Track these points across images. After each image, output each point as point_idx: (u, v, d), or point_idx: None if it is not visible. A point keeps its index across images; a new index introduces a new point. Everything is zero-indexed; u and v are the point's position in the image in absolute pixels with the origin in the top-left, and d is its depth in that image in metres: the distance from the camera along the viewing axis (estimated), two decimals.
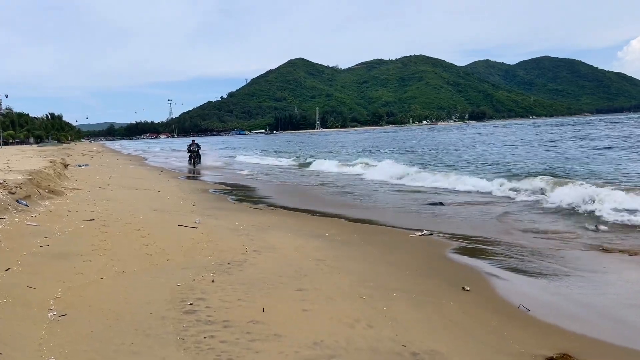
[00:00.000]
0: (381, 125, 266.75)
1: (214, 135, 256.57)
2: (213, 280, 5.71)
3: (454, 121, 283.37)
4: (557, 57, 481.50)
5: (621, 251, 7.79)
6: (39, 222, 8.36)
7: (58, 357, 3.72)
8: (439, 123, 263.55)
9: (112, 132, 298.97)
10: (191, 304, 4.89)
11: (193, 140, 33.53)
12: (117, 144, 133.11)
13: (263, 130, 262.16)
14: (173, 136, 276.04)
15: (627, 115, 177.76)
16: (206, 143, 62.48)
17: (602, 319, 5.23)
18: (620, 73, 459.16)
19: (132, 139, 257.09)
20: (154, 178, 22.37)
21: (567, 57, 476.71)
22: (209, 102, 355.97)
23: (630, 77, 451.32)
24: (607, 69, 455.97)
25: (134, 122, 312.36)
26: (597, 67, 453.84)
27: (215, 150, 59.04)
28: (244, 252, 7.27)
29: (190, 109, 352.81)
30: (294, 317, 4.72)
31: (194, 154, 31.97)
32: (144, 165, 35.51)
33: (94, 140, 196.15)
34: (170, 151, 66.13)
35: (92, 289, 5.29)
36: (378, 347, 4.19)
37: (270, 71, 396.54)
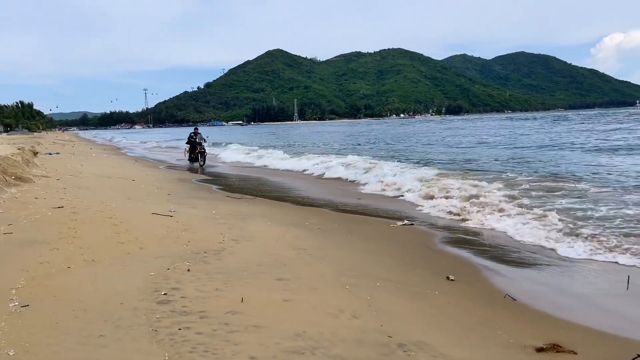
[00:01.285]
0: (359, 117, 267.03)
1: (190, 125, 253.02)
2: (189, 270, 5.43)
3: (431, 115, 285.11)
4: (532, 53, 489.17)
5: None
6: (2, 210, 7.93)
7: (19, 350, 3.41)
8: (416, 116, 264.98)
9: (86, 121, 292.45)
10: (165, 294, 4.60)
11: (196, 129, 24.52)
12: (92, 134, 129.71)
13: (240, 122, 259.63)
14: (149, 126, 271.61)
15: (598, 111, 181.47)
16: (181, 133, 60.83)
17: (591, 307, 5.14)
18: (593, 69, 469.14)
19: (107, 128, 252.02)
20: (128, 167, 21.79)
21: (542, 53, 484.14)
22: (186, 92, 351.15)
23: (603, 73, 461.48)
24: (580, 66, 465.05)
25: (108, 112, 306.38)
26: (570, 64, 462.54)
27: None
28: (221, 241, 6.98)
29: (167, 99, 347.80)
30: (275, 308, 4.47)
31: (197, 149, 23.38)
32: (119, 154, 34.67)
33: (66, 130, 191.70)
34: (165, 148, 46.20)
35: (58, 278, 4.96)
36: (364, 338, 3.98)
37: (248, 62, 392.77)
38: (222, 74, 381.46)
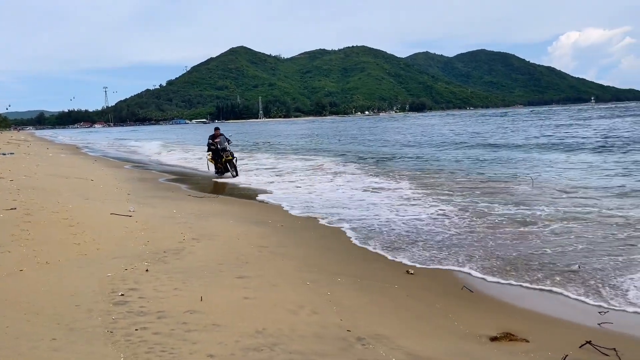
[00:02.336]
0: (324, 115, 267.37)
1: (152, 124, 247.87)
2: (147, 270, 5.35)
3: (395, 112, 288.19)
4: (493, 51, 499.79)
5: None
6: None
7: None
8: (380, 114, 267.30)
9: (43, 120, 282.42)
10: (122, 295, 4.52)
11: (217, 129, 18.02)
12: (50, 133, 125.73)
13: (204, 120, 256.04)
14: (109, 125, 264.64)
15: (556, 107, 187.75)
16: (142, 131, 59.67)
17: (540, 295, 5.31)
18: (550, 67, 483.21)
19: (65, 127, 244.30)
20: (87, 167, 21.21)
21: (502, 51, 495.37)
22: (147, 90, 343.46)
23: (559, 71, 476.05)
24: (538, 63, 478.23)
25: (67, 110, 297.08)
26: (529, 61, 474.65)
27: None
28: (181, 240, 6.90)
29: (128, 97, 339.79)
30: (235, 306, 4.46)
31: (223, 157, 17.19)
32: (78, 154, 33.70)
33: (22, 129, 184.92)
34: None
35: (9, 281, 4.80)
36: (323, 333, 4.02)
37: (212, 59, 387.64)
38: (185, 71, 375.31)
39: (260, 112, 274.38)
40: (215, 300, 4.52)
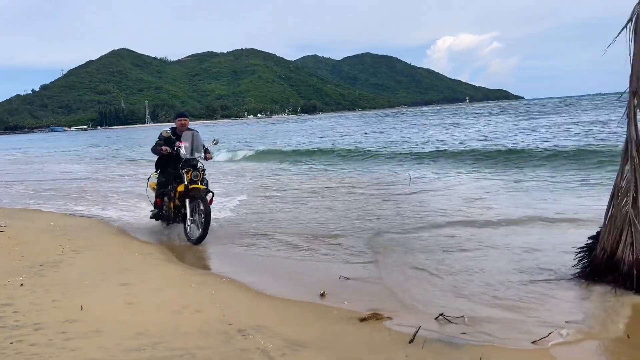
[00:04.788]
0: (216, 119, 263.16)
1: (25, 132, 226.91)
2: (22, 284, 5.20)
3: (288, 114, 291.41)
4: (377, 54, 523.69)
5: None
6: None
7: None
8: (273, 116, 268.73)
9: None
10: None
11: (184, 118, 8.04)
12: None
13: (85, 126, 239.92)
14: None
15: (436, 107, 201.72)
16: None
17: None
18: (430, 69, 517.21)
19: None
20: None
21: (385, 54, 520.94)
22: (18, 95, 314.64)
23: (438, 73, 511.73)
24: (419, 66, 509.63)
25: None
26: (410, 64, 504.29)
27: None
28: (60, 252, 6.71)
29: None
30: (117, 312, 4.53)
31: (187, 182, 7.45)
32: None
33: None
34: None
35: None
36: (206, 329, 4.24)
37: (91, 62, 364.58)
38: (61, 75, 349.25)
39: (148, 117, 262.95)
40: (96, 308, 4.55)
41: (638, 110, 5.11)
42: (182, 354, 3.69)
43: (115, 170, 23.16)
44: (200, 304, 4.85)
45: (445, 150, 21.65)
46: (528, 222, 8.07)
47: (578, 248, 5.71)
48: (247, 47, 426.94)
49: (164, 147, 7.59)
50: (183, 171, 7.48)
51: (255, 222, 8.93)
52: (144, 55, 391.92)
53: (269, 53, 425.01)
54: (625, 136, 5.25)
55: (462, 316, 4.49)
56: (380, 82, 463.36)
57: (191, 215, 7.38)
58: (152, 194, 8.37)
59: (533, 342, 3.92)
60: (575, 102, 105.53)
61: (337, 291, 5.54)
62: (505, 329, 4.22)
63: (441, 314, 4.54)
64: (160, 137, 7.80)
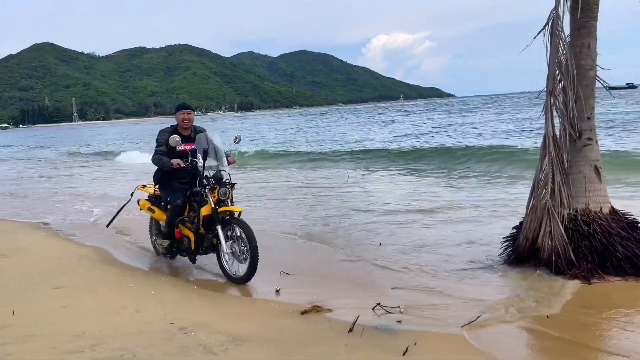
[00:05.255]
0: (149, 116, 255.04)
1: None
2: None
3: (224, 111, 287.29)
4: (314, 52, 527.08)
5: None
6: None
7: None
8: (209, 114, 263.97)
9: None
10: None
11: (187, 111, 5.99)
12: None
13: (5, 125, 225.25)
14: None
15: (371, 105, 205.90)
16: None
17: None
18: (365, 67, 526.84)
19: None
20: None
21: (322, 52, 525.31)
22: None
23: (373, 71, 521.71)
24: (355, 64, 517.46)
25: None
26: (346, 62, 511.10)
27: None
28: None
29: None
30: (52, 315, 4.40)
31: (212, 202, 5.54)
32: None
33: None
34: None
35: None
36: (146, 328, 4.21)
37: (11, 56, 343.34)
38: None
39: (75, 114, 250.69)
40: (29, 313, 4.41)
41: (554, 108, 5.56)
42: (123, 354, 3.66)
43: (48, 172, 22.07)
44: (139, 304, 4.80)
45: (377, 148, 22.20)
46: (458, 213, 8.54)
47: (504, 237, 6.13)
48: (181, 43, 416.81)
49: (175, 161, 5.61)
50: (206, 190, 5.58)
51: None
52: (70, 50, 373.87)
53: (203, 49, 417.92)
54: (543, 132, 5.70)
55: (398, 306, 4.70)
56: (318, 80, 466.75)
57: (229, 247, 5.55)
58: (156, 216, 6.31)
59: (462, 326, 4.19)
60: (502, 99, 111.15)
61: (279, 286, 5.64)
62: (438, 315, 4.48)
63: (378, 304, 4.74)
64: (160, 140, 5.84)
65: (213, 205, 5.51)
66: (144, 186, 6.63)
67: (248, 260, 5.32)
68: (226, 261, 5.62)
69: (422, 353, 3.69)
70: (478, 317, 4.31)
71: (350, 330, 4.12)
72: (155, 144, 5.88)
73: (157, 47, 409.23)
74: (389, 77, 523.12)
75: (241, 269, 5.46)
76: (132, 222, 8.56)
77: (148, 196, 6.48)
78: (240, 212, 5.65)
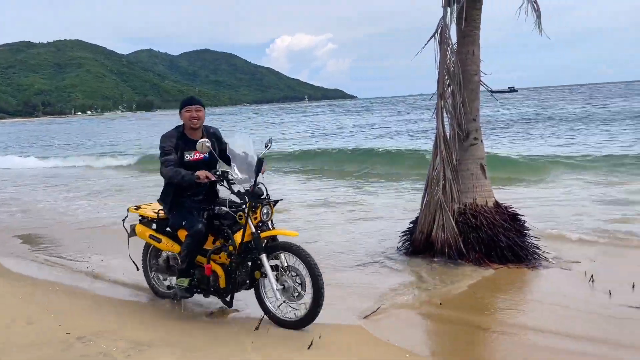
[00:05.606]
0: (36, 116, 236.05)
1: None
2: None
3: (122, 111, 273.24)
4: (217, 51, 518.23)
5: None
6: None
7: None
8: (105, 113, 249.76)
9: None
10: None
11: (197, 106, 4.54)
12: None
13: None
14: None
15: (276, 105, 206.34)
16: None
17: None
18: (270, 68, 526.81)
19: None
20: None
21: (226, 51, 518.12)
22: None
23: (277, 71, 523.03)
24: (259, 64, 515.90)
25: None
26: (251, 62, 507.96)
27: None
28: None
29: None
30: None
31: (254, 225, 4.28)
32: None
33: None
34: None
35: None
36: (41, 340, 3.98)
37: None
38: None
39: None
40: None
41: (444, 110, 5.99)
42: None
43: None
44: (31, 316, 4.51)
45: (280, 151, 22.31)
46: (358, 209, 8.91)
47: (402, 232, 6.50)
48: (72, 38, 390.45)
49: (202, 173, 4.30)
50: (246, 210, 4.26)
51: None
52: None
53: (97, 45, 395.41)
54: (435, 133, 6.12)
55: (304, 303, 4.83)
56: (221, 79, 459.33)
57: (279, 282, 4.26)
58: (163, 246, 4.84)
59: (365, 317, 4.41)
60: (401, 101, 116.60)
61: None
62: (342, 307, 4.66)
63: (284, 301, 4.83)
64: (167, 148, 4.46)
65: (254, 230, 4.29)
66: (137, 207, 5.15)
67: (311, 300, 4.08)
68: (277, 299, 4.28)
69: (325, 346, 3.83)
70: (378, 308, 4.55)
71: (257, 328, 4.17)
72: (161, 153, 4.47)
73: (45, 41, 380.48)
74: (293, 78, 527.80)
75: (300, 310, 4.22)
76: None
77: (145, 220, 5.01)
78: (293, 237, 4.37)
